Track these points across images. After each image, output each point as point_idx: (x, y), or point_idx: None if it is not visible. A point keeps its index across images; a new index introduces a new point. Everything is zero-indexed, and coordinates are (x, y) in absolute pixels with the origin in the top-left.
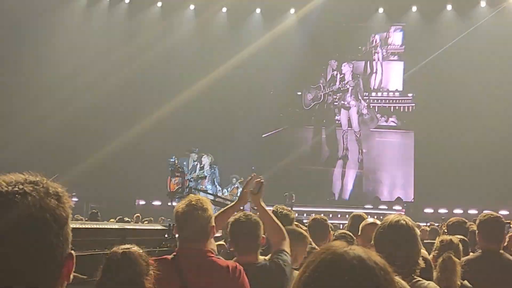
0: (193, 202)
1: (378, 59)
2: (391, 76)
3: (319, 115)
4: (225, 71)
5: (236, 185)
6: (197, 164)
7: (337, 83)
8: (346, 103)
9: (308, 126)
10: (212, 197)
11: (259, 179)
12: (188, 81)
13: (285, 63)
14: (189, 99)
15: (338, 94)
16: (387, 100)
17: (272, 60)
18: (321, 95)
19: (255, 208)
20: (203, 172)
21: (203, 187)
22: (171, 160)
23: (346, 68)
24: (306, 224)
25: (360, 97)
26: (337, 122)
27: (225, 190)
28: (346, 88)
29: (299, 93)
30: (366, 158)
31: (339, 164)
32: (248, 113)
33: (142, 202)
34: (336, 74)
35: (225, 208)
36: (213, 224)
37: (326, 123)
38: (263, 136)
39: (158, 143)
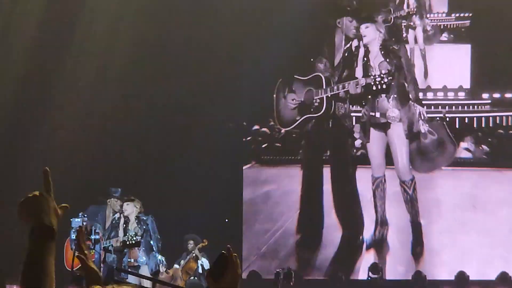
0: None
1: None
2: None
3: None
4: None
5: (194, 254)
6: (119, 219)
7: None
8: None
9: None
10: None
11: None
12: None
13: None
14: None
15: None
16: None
17: None
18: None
19: None
20: (132, 234)
21: (132, 261)
22: (77, 220)
23: None
24: None
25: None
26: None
27: (176, 265)
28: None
29: None
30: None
31: None
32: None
33: None
34: None
35: None
36: None
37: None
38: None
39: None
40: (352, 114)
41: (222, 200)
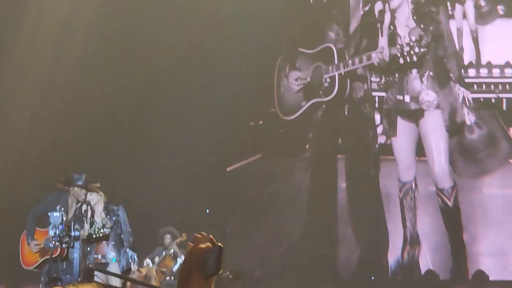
0: None
1: None
2: None
3: None
4: None
5: (171, 251)
6: (85, 209)
7: None
8: None
9: None
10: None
11: (212, 243)
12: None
13: None
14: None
15: None
16: None
17: None
18: None
19: None
20: (99, 226)
21: (99, 258)
22: (55, 214)
23: None
24: None
25: None
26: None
27: (147, 261)
28: None
29: None
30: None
31: None
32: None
33: None
34: None
35: None
36: None
37: None
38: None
39: None
40: (374, 94)
41: (203, 188)
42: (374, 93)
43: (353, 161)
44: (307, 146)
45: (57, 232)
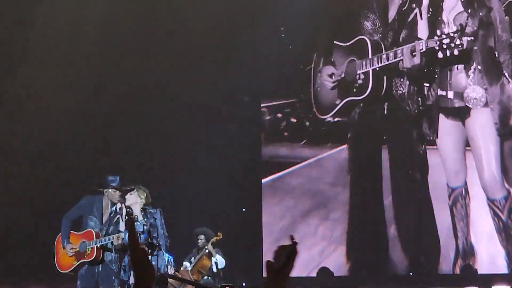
0: None
1: None
2: None
3: None
4: None
5: (206, 250)
6: (120, 210)
7: None
8: None
9: None
10: None
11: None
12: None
13: None
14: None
15: None
16: None
17: None
18: None
19: None
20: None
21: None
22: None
23: None
24: None
25: None
26: None
27: (185, 263)
28: None
29: None
30: None
31: None
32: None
33: None
34: None
35: None
36: None
37: None
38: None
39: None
40: (416, 90)
41: (238, 188)
42: (416, 89)
43: (398, 165)
44: (345, 147)
45: (141, 241)
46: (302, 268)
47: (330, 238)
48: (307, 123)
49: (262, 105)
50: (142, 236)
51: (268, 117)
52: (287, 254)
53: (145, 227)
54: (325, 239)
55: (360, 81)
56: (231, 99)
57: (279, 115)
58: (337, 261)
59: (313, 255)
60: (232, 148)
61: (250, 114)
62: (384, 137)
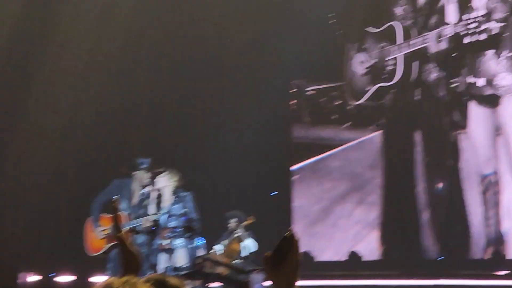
0: None
1: None
2: None
3: None
4: None
5: (237, 234)
6: (150, 193)
7: None
8: None
9: None
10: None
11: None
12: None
13: None
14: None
15: None
16: None
17: None
18: None
19: None
20: (167, 211)
21: (165, 243)
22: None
23: None
24: None
25: None
26: None
27: (215, 247)
28: None
29: None
30: None
31: None
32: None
33: (33, 278)
34: None
35: None
36: None
37: None
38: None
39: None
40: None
41: (270, 171)
42: (446, 75)
43: (430, 152)
44: (379, 133)
45: (179, 224)
46: (333, 252)
47: (365, 222)
48: (348, 107)
49: (307, 89)
50: (181, 219)
51: (309, 100)
52: (287, 244)
53: (184, 209)
54: (359, 223)
55: (390, 67)
56: (270, 81)
57: (323, 99)
58: (369, 245)
59: (347, 239)
60: (265, 131)
61: (283, 96)
62: (417, 123)
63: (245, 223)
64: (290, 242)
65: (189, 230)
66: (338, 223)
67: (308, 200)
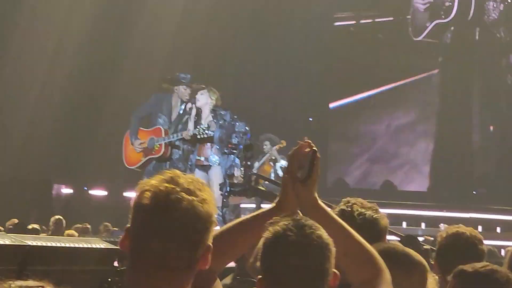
0: (174, 187)
1: None
2: None
3: None
4: None
5: (271, 156)
6: (190, 110)
7: None
8: None
9: None
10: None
11: (309, 149)
12: None
13: None
14: None
15: None
16: None
17: None
18: None
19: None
20: (204, 127)
21: (202, 159)
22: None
23: None
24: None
25: None
26: None
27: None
28: None
29: None
30: None
31: None
32: None
33: (66, 190)
34: None
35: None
36: (210, 243)
37: None
38: None
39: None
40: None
41: (305, 95)
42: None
43: (485, 97)
44: (436, 71)
45: (237, 141)
46: None
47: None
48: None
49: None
50: (209, 131)
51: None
52: (309, 160)
53: (246, 128)
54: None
55: (448, 3)
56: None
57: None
58: (419, 179)
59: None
60: (305, 58)
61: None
62: (474, 64)
63: (277, 146)
64: (313, 159)
65: (249, 148)
66: None
67: None
